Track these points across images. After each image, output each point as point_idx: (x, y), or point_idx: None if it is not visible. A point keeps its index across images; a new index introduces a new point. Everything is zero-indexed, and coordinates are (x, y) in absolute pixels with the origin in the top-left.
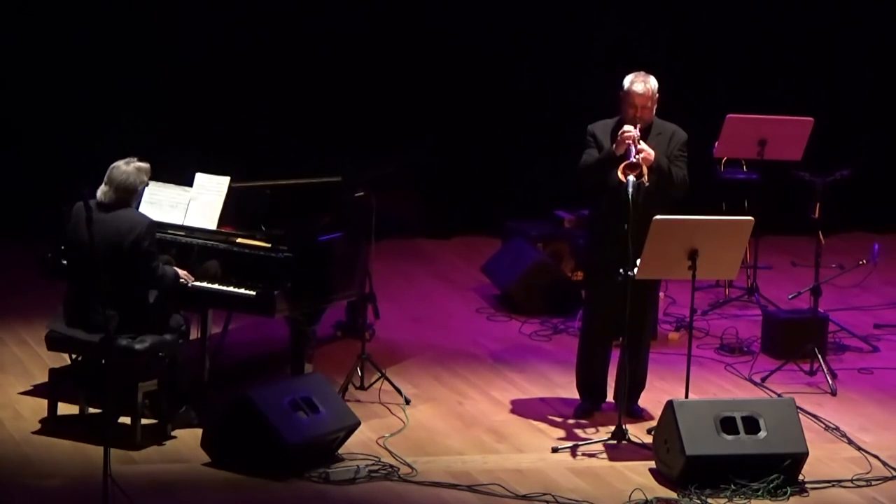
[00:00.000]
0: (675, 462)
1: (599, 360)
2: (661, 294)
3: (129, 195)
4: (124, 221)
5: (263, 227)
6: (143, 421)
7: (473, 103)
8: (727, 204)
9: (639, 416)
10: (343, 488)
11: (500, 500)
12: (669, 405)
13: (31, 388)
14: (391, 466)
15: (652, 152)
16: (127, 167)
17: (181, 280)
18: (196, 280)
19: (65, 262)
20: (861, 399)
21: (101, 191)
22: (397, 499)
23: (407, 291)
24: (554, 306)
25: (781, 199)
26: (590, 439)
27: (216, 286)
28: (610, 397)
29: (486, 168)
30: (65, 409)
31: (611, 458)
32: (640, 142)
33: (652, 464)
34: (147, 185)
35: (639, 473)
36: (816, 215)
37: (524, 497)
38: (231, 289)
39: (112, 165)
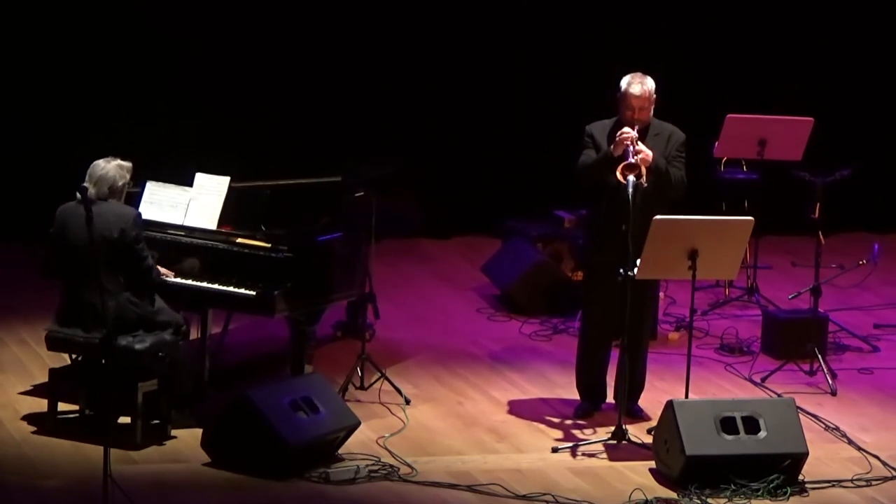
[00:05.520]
0: (675, 462)
1: (599, 361)
2: (661, 294)
3: (109, 189)
4: (111, 213)
5: (263, 227)
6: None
7: (473, 103)
8: (727, 204)
9: (639, 416)
10: (343, 488)
11: (500, 500)
12: (669, 405)
13: (31, 388)
14: (391, 466)
15: (650, 153)
16: (107, 164)
17: (163, 276)
18: (176, 277)
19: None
20: (861, 399)
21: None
22: (397, 499)
23: (407, 291)
24: (554, 306)
25: (781, 199)
26: (590, 439)
27: (216, 286)
28: (610, 397)
29: (486, 168)
30: (65, 409)
31: (611, 458)
32: (639, 143)
33: (652, 464)
34: (129, 182)
35: (639, 473)
36: (816, 215)
37: (524, 497)
38: (231, 289)
39: (93, 164)
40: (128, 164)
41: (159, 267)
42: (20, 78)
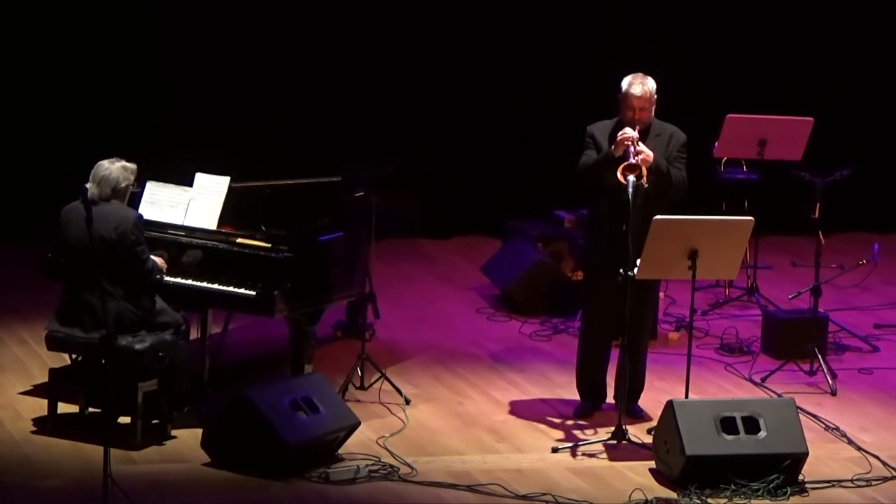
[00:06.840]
0: (675, 462)
1: (599, 361)
2: (661, 294)
3: (113, 190)
4: (112, 214)
5: (263, 227)
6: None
7: (473, 103)
8: (727, 204)
9: (639, 416)
10: (343, 488)
11: (500, 500)
12: (669, 405)
13: (31, 388)
14: (391, 466)
15: (651, 153)
16: (111, 165)
17: (159, 270)
18: (176, 274)
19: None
20: (861, 399)
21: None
22: (397, 499)
23: (407, 291)
24: (554, 306)
25: (781, 199)
26: (590, 439)
27: (216, 286)
28: (610, 397)
29: (486, 168)
30: (65, 409)
31: (611, 458)
32: (639, 143)
33: (652, 464)
34: (133, 183)
35: (639, 473)
36: (816, 215)
37: (524, 497)
38: (231, 289)
39: (97, 164)
40: (132, 166)
41: (154, 257)
42: (21, 78)
